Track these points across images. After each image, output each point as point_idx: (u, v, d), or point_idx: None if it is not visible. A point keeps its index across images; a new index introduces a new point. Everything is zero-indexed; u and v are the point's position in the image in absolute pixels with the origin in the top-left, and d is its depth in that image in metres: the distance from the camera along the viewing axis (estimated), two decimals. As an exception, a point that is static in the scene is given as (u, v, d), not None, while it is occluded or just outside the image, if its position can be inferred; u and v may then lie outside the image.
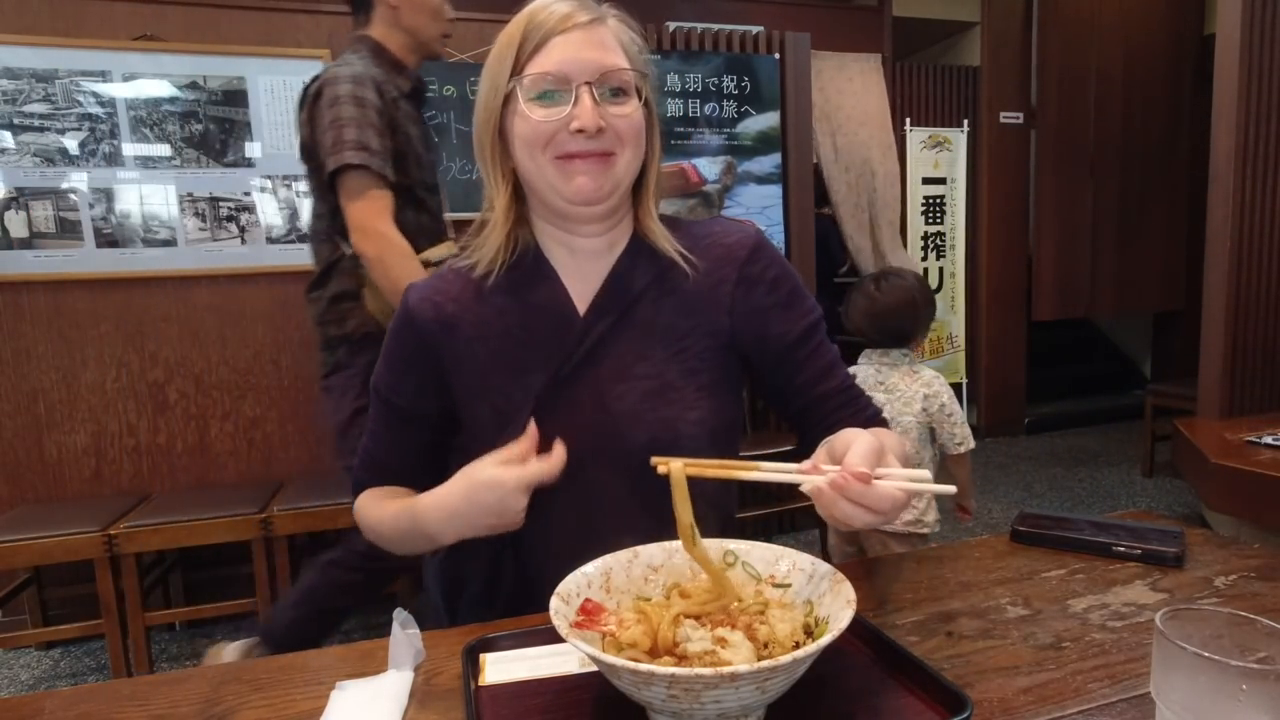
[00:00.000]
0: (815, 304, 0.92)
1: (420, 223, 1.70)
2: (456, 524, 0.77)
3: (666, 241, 0.87)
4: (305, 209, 2.55)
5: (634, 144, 0.82)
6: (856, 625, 0.63)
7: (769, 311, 0.88)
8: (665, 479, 0.62)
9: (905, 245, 4.46)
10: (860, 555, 1.95)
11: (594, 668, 0.61)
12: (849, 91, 4.21)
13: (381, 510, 0.87)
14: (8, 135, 2.42)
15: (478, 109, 0.85)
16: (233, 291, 2.65)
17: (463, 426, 0.89)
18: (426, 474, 0.86)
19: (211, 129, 2.58)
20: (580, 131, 0.78)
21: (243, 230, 2.61)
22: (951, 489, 0.68)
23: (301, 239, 2.64)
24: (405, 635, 0.68)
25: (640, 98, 0.83)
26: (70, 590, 2.59)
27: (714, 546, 0.69)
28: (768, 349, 0.88)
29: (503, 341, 0.85)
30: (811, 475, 0.62)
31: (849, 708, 0.58)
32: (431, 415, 0.89)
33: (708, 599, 0.62)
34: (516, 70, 0.80)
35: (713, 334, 0.87)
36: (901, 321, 1.96)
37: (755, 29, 3.21)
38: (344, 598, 1.86)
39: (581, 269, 0.88)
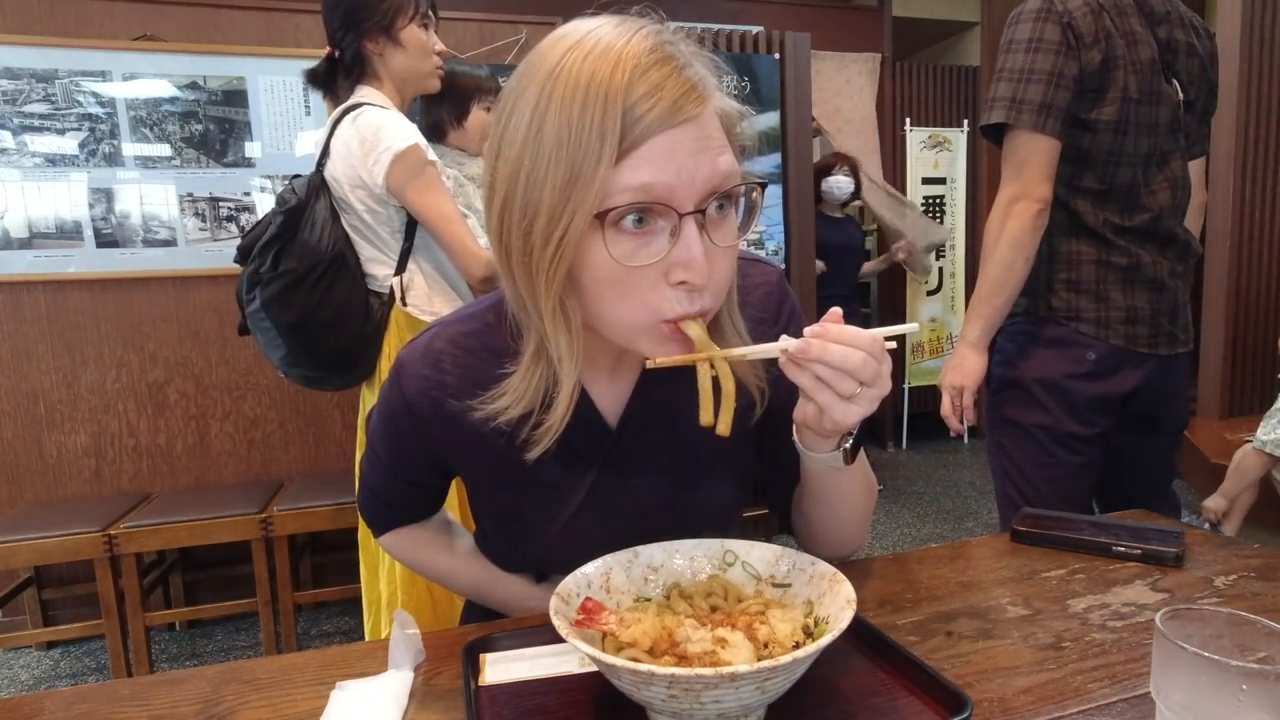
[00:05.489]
0: None
1: None
2: (534, 609, 0.82)
3: (750, 371, 0.72)
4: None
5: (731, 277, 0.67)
6: (856, 625, 0.63)
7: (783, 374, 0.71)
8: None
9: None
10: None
11: (594, 668, 0.61)
12: (846, 93, 4.23)
13: (437, 560, 0.91)
14: (8, 135, 2.42)
15: (526, 186, 0.60)
16: (233, 291, 2.64)
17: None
18: (439, 504, 0.93)
19: (211, 129, 2.58)
20: (683, 284, 0.61)
21: (243, 230, 2.61)
22: (914, 326, 0.68)
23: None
24: (405, 635, 0.68)
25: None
26: (70, 590, 2.59)
27: (714, 546, 0.69)
28: (771, 408, 0.77)
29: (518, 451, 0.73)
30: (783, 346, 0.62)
31: (849, 708, 0.58)
32: (440, 480, 0.88)
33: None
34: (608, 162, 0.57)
35: (742, 405, 0.73)
36: None
37: (755, 29, 3.21)
38: None
39: (610, 373, 0.77)
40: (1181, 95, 1.42)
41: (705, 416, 0.63)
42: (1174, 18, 1.41)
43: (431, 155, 1.57)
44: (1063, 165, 1.39)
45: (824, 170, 3.72)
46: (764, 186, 0.66)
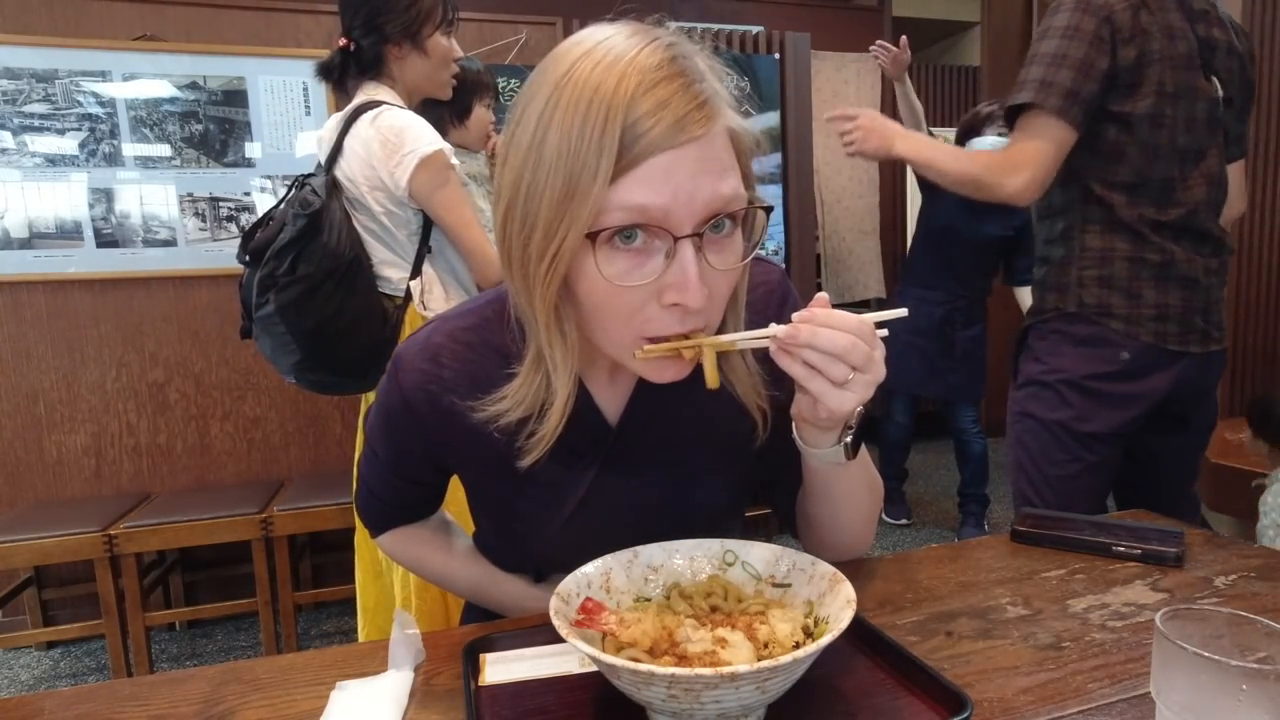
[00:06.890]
0: None
1: None
2: (533, 610, 0.82)
3: (752, 391, 0.73)
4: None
5: (729, 298, 0.66)
6: (856, 625, 0.63)
7: (785, 378, 0.68)
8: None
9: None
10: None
11: (594, 668, 0.61)
12: (845, 94, 4.23)
13: (435, 560, 0.90)
14: (8, 135, 2.42)
15: (526, 197, 0.59)
16: (233, 291, 2.61)
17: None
18: (437, 503, 0.92)
19: (211, 129, 2.58)
20: (676, 305, 0.60)
21: (243, 230, 2.61)
22: (903, 312, 0.63)
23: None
24: (405, 635, 0.68)
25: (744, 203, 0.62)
26: (70, 590, 2.59)
27: (714, 546, 0.69)
28: (772, 408, 0.77)
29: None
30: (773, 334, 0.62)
31: (849, 708, 0.58)
32: (439, 478, 0.87)
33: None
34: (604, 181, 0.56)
35: (740, 406, 0.74)
36: None
37: (755, 29, 3.21)
38: None
39: (610, 372, 0.76)
40: (1221, 92, 1.41)
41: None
42: (1212, 16, 1.41)
43: (454, 159, 1.55)
44: (1097, 160, 1.39)
45: (971, 129, 2.81)
46: (769, 210, 0.65)
